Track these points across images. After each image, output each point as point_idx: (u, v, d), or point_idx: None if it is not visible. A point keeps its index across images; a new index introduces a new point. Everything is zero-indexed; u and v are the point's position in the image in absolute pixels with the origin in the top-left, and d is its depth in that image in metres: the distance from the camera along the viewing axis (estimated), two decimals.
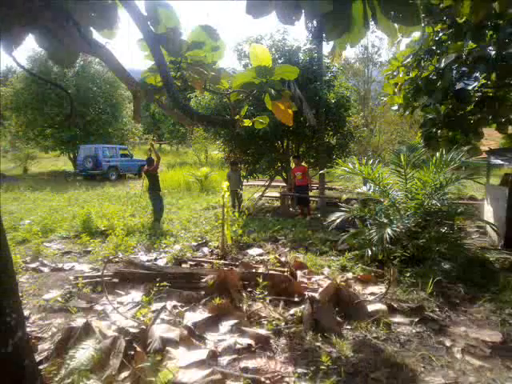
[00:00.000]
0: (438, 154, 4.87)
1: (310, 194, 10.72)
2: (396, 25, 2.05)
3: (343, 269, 4.59)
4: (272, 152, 9.95)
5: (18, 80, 21.90)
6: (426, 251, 4.59)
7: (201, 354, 2.56)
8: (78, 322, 2.85)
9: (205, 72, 2.78)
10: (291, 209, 9.57)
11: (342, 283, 3.62)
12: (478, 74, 6.10)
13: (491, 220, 5.93)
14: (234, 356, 2.62)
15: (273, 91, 2.82)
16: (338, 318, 3.16)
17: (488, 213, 6.52)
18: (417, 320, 3.18)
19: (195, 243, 6.05)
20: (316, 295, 3.28)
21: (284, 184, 11.74)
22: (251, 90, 2.90)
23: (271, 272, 4.04)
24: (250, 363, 2.51)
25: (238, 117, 3.05)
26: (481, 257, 4.94)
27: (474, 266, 4.47)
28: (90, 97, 21.62)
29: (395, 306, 3.42)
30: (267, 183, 11.79)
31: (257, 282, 3.62)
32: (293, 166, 9.60)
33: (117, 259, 5.07)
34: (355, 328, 3.06)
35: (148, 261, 5.11)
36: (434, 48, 6.31)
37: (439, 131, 6.57)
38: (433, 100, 6.16)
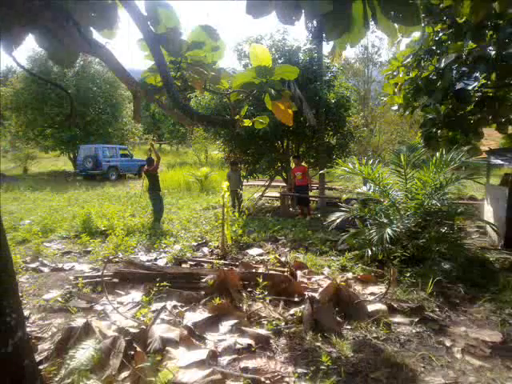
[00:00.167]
0: (438, 154, 4.86)
1: (310, 193, 10.72)
2: (396, 25, 2.05)
3: (343, 269, 4.59)
4: (272, 152, 9.95)
5: (18, 80, 21.90)
6: (426, 251, 4.59)
7: (201, 354, 2.56)
8: (78, 321, 2.85)
9: (205, 72, 2.78)
10: (291, 209, 9.57)
11: (342, 283, 3.62)
12: (478, 74, 6.10)
13: (491, 220, 5.93)
14: (234, 356, 2.62)
15: (273, 91, 2.82)
16: (338, 318, 3.16)
17: (488, 213, 6.52)
18: (417, 320, 3.18)
19: (195, 243, 6.05)
20: (316, 295, 3.28)
21: (284, 184, 11.74)
22: (251, 90, 2.90)
23: (271, 272, 4.04)
24: (250, 363, 2.51)
25: (237, 117, 3.05)
26: (481, 257, 4.94)
27: (474, 266, 4.47)
28: (89, 97, 21.61)
29: (395, 305, 3.42)
30: (267, 183, 11.79)
31: (257, 282, 3.62)
32: (293, 166, 9.60)
33: (117, 259, 5.07)
34: (355, 328, 3.06)
35: (148, 261, 5.11)
36: (434, 48, 6.31)
37: (439, 131, 6.57)
38: (433, 100, 6.16)
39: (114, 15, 2.15)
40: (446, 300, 3.64)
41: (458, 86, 6.24)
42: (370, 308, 3.32)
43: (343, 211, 5.30)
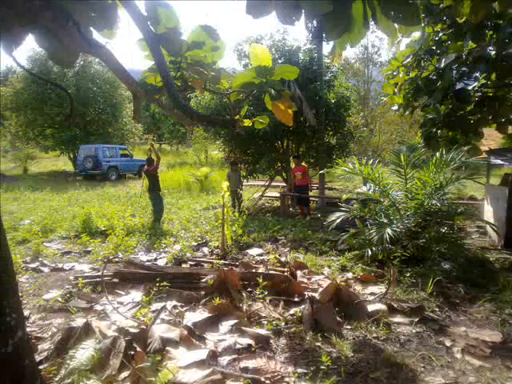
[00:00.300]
0: (437, 154, 4.86)
1: (310, 193, 10.72)
2: (396, 25, 2.05)
3: (343, 269, 4.59)
4: (272, 152, 9.95)
5: (18, 80, 21.88)
6: (426, 251, 4.59)
7: (201, 354, 2.56)
8: (78, 321, 2.85)
9: (205, 72, 2.79)
10: (291, 209, 9.57)
11: (342, 283, 3.62)
12: (477, 74, 6.10)
13: (491, 220, 5.93)
14: (234, 356, 2.62)
15: (273, 91, 2.82)
16: (338, 318, 3.16)
17: (488, 213, 6.52)
18: (417, 320, 3.18)
19: (195, 243, 6.05)
20: (316, 295, 3.28)
21: (284, 184, 11.74)
22: (251, 90, 2.90)
23: (271, 272, 4.04)
24: (250, 363, 2.51)
25: (237, 117, 3.05)
26: (481, 257, 4.94)
27: (474, 266, 4.47)
28: (89, 97, 21.60)
29: (395, 306, 3.42)
30: (267, 183, 11.79)
31: (257, 282, 3.62)
32: (293, 166, 9.60)
33: (117, 259, 5.07)
34: (355, 328, 3.06)
35: (148, 261, 5.11)
36: (434, 48, 6.31)
37: (439, 131, 6.57)
38: (433, 100, 6.16)
39: (114, 15, 2.15)
40: (446, 300, 3.64)
41: (458, 86, 6.24)
42: (370, 308, 3.32)
43: (343, 211, 5.30)
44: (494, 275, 4.22)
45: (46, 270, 4.79)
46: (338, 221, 5.14)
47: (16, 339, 1.79)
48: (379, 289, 3.91)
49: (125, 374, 2.37)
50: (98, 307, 3.50)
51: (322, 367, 2.46)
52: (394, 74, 7.19)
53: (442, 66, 5.72)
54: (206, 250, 5.74)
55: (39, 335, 2.91)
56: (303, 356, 2.66)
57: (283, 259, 4.81)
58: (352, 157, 8.21)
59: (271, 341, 2.85)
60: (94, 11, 2.09)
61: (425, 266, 4.35)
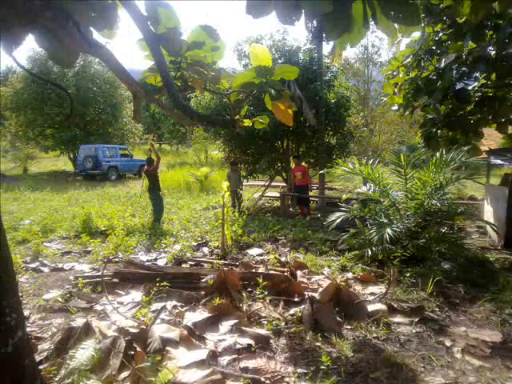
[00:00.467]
0: (437, 154, 4.86)
1: (310, 193, 10.72)
2: (396, 25, 2.05)
3: (343, 269, 4.59)
4: (272, 152, 9.95)
5: (18, 80, 21.87)
6: (426, 251, 4.59)
7: (201, 354, 2.56)
8: (78, 321, 2.85)
9: (205, 72, 2.79)
10: (291, 209, 9.57)
11: (342, 283, 3.62)
12: (477, 74, 6.09)
13: (491, 220, 5.93)
14: (234, 356, 2.62)
15: (273, 91, 2.82)
16: (338, 318, 3.16)
17: (488, 213, 6.52)
18: (417, 320, 3.18)
19: (195, 243, 6.05)
20: (316, 295, 3.28)
21: (284, 184, 11.74)
22: (251, 90, 2.90)
23: (271, 272, 4.04)
24: (250, 363, 2.51)
25: (237, 117, 3.05)
26: (481, 257, 4.94)
27: (474, 266, 4.47)
28: (89, 97, 21.59)
29: (395, 306, 3.42)
30: (267, 183, 11.79)
31: (257, 282, 3.62)
32: (293, 166, 9.60)
33: (117, 259, 5.07)
34: (355, 328, 3.06)
35: (148, 261, 5.11)
36: (434, 48, 6.30)
37: (439, 131, 6.57)
38: (433, 100, 6.15)
39: (114, 15, 2.15)
40: (446, 300, 3.64)
41: (458, 86, 6.24)
42: (370, 308, 3.32)
43: (343, 211, 5.30)
44: (494, 275, 4.22)
45: (45, 269, 4.79)
46: (338, 221, 5.14)
47: (16, 339, 1.79)
48: (379, 289, 3.91)
49: (125, 373, 2.37)
50: (98, 307, 3.50)
51: (322, 367, 2.46)
52: (394, 73, 7.19)
53: (442, 65, 5.72)
54: (206, 249, 5.74)
55: (39, 335, 2.91)
56: (303, 356, 2.66)
57: (283, 259, 4.81)
58: (352, 157, 8.21)
59: (271, 341, 2.85)
60: (94, 11, 2.09)
61: (425, 266, 4.35)
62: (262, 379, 2.32)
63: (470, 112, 6.35)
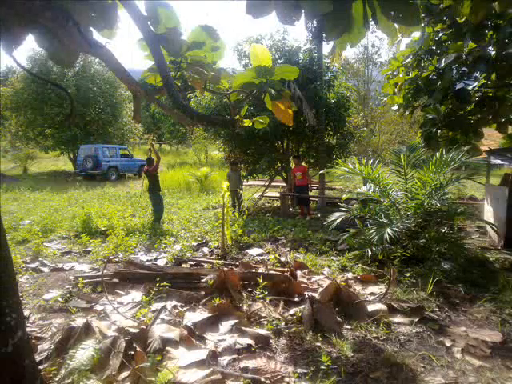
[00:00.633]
0: (437, 154, 4.86)
1: (310, 193, 10.72)
2: (396, 25, 2.05)
3: (343, 269, 4.59)
4: (272, 152, 9.95)
5: (18, 80, 21.87)
6: (426, 251, 4.59)
7: (201, 354, 2.56)
8: (78, 321, 2.85)
9: (205, 72, 2.79)
10: (291, 209, 9.57)
11: (342, 283, 3.62)
12: (477, 74, 6.09)
13: (491, 220, 5.93)
14: (234, 356, 2.62)
15: (273, 91, 2.82)
16: (338, 318, 3.16)
17: (488, 213, 6.52)
18: (417, 320, 3.18)
19: (195, 243, 6.05)
20: (316, 295, 3.28)
21: (284, 184, 11.74)
22: (251, 90, 2.90)
23: (271, 272, 4.04)
24: (250, 363, 2.51)
25: (237, 117, 3.05)
26: (481, 257, 4.94)
27: (474, 266, 4.47)
28: (90, 97, 21.60)
29: (395, 306, 3.42)
30: (267, 183, 11.79)
31: (257, 282, 3.63)
32: (293, 166, 9.60)
33: (117, 259, 5.07)
34: (355, 328, 3.06)
35: (148, 261, 5.11)
36: (434, 48, 6.30)
37: (439, 131, 6.56)
38: (433, 100, 6.15)
39: (114, 15, 2.15)
40: (446, 300, 3.64)
41: (458, 86, 6.24)
42: (370, 308, 3.32)
43: (343, 211, 5.30)
44: (494, 275, 4.22)
45: (46, 269, 4.79)
46: (338, 221, 5.14)
47: (16, 339, 1.79)
48: (379, 289, 3.91)
49: (125, 373, 2.37)
50: (98, 307, 3.50)
51: (322, 367, 2.46)
52: (394, 73, 7.18)
53: (442, 65, 5.72)
54: (206, 249, 5.74)
55: (39, 335, 2.91)
56: (303, 356, 2.66)
57: (283, 259, 4.81)
58: (352, 157, 8.21)
59: (271, 341, 2.85)
60: (94, 11, 2.09)
61: (425, 266, 4.35)
62: (262, 379, 2.32)
63: (470, 112, 6.35)
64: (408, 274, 4.15)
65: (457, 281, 4.04)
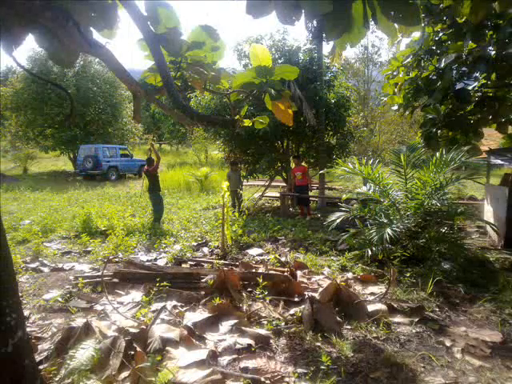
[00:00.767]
0: (438, 154, 4.86)
1: (310, 193, 10.72)
2: (396, 25, 2.05)
3: (343, 269, 4.59)
4: (272, 152, 9.95)
5: (18, 80, 21.87)
6: (426, 251, 4.59)
7: (201, 354, 2.56)
8: (78, 322, 2.85)
9: (205, 72, 2.79)
10: (291, 209, 9.57)
11: (342, 283, 3.62)
12: (477, 74, 6.09)
13: (491, 220, 5.93)
14: (234, 356, 2.62)
15: (273, 91, 2.82)
16: (338, 318, 3.16)
17: (488, 213, 6.52)
18: (417, 320, 3.18)
19: (195, 243, 6.05)
20: (316, 295, 3.28)
21: (284, 184, 11.74)
22: (251, 90, 2.90)
23: (271, 272, 4.04)
24: (250, 363, 2.51)
25: (237, 117, 3.05)
26: (481, 257, 4.94)
27: (474, 266, 4.47)
28: (90, 97, 21.60)
29: (395, 306, 3.42)
30: (267, 183, 11.79)
31: (257, 282, 3.62)
32: (293, 166, 9.61)
33: (117, 259, 5.07)
34: (355, 328, 3.06)
35: (148, 261, 5.11)
36: (434, 48, 6.30)
37: (439, 131, 6.56)
38: (433, 100, 6.15)
39: (114, 15, 2.15)
40: (446, 300, 3.64)
41: (458, 86, 6.24)
42: (370, 308, 3.32)
43: (343, 211, 5.30)
44: (494, 275, 4.22)
45: (46, 269, 4.79)
46: (338, 221, 5.14)
47: (16, 339, 1.79)
48: (379, 289, 3.91)
49: (125, 373, 2.37)
50: (98, 307, 3.50)
51: (322, 367, 2.46)
52: (394, 73, 7.18)
53: (442, 66, 5.72)
54: (206, 249, 5.74)
55: (39, 335, 2.91)
56: (303, 356, 2.66)
57: (283, 259, 4.81)
58: (352, 157, 8.21)
59: (271, 341, 2.85)
60: (94, 11, 2.09)
61: (425, 266, 4.35)
62: (262, 379, 2.32)
63: (470, 112, 6.35)
64: (408, 274, 4.15)
65: (457, 281, 4.04)
